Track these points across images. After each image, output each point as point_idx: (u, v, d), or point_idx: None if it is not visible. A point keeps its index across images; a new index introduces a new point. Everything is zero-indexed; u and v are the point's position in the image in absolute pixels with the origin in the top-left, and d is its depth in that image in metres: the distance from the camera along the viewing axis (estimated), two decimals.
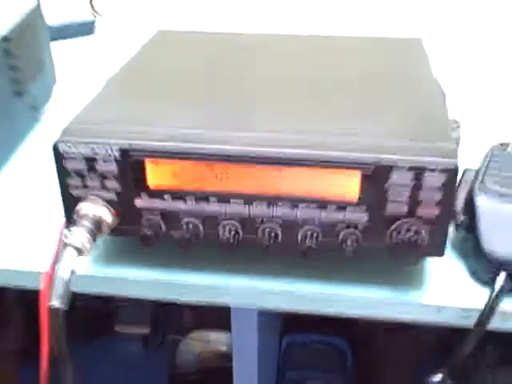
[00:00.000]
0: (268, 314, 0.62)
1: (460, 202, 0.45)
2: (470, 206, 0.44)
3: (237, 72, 0.52)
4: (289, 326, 0.78)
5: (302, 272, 0.43)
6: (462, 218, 0.44)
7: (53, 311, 0.37)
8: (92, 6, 0.82)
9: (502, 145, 0.48)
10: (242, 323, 0.50)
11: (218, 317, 0.74)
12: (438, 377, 0.42)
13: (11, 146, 0.58)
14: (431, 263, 0.44)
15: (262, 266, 0.44)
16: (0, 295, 0.84)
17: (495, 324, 0.41)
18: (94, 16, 0.82)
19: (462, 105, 0.62)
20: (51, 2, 0.77)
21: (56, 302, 0.37)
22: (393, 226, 0.40)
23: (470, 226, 0.43)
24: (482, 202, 0.43)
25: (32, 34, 0.60)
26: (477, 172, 0.46)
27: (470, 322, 0.41)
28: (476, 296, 0.42)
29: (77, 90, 0.68)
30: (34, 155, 0.57)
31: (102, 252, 0.45)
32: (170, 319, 0.87)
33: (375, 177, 0.39)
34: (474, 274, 0.43)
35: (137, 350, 0.87)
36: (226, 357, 0.84)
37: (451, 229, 0.43)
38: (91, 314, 0.87)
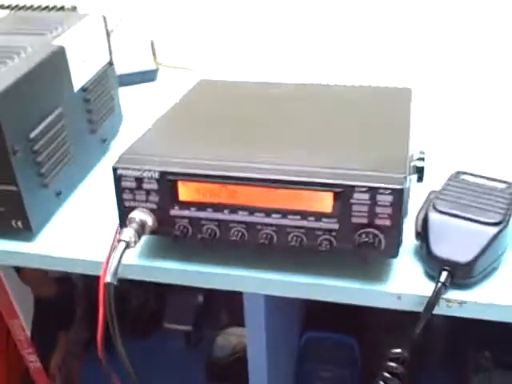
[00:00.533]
0: (285, 309, 0.76)
1: (421, 217, 0.58)
2: (425, 220, 0.56)
3: (254, 117, 0.67)
4: (307, 325, 0.91)
5: (292, 266, 0.57)
6: (419, 229, 0.57)
7: (106, 285, 0.52)
8: (155, 57, 1.00)
9: (457, 173, 0.61)
10: (252, 307, 0.64)
11: None
12: (397, 350, 0.55)
13: (86, 171, 0.75)
14: (396, 264, 0.57)
15: (262, 260, 0.58)
16: (68, 287, 1.01)
17: (442, 311, 0.54)
18: (156, 65, 1.00)
19: (437, 140, 0.76)
20: (120, 53, 0.95)
21: (109, 279, 0.52)
22: (358, 232, 0.53)
23: (424, 235, 0.56)
24: (432, 217, 0.56)
25: (104, 84, 0.77)
26: (435, 194, 0.59)
27: (422, 308, 0.54)
28: (427, 288, 0.54)
29: (139, 127, 0.84)
30: (103, 178, 0.74)
31: (145, 248, 0.61)
32: (209, 318, 1.02)
33: (343, 196, 0.52)
34: (426, 272, 0.56)
35: (180, 345, 1.02)
36: None
37: (413, 237, 0.57)
38: (144, 312, 1.03)
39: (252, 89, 0.74)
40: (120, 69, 0.90)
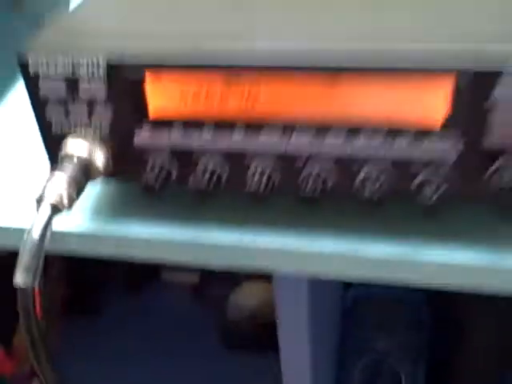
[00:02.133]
0: None
1: None
2: None
3: None
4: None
5: (362, 230, 0.31)
6: None
7: (20, 292, 0.27)
8: None
9: None
10: (288, 294, 0.39)
11: None
12: None
13: (8, 74, 0.48)
14: None
15: (305, 221, 0.32)
16: None
17: None
18: None
19: None
20: None
21: (21, 279, 0.27)
22: (495, 164, 0.27)
23: None
24: None
25: None
26: None
27: None
28: None
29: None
30: None
31: (96, 203, 0.35)
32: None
33: (473, 88, 0.26)
34: None
35: (184, 301, 0.78)
36: None
37: None
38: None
39: None
40: None
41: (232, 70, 0.28)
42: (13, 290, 0.27)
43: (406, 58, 0.26)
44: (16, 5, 0.47)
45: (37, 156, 0.38)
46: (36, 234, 0.28)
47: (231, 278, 0.77)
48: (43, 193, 0.29)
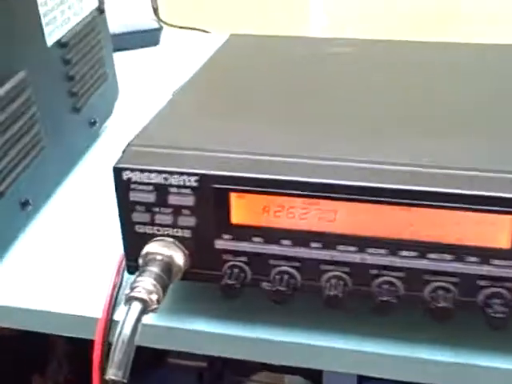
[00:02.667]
0: None
1: None
2: None
3: (327, 83, 0.43)
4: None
5: (423, 335, 0.34)
6: None
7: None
8: (156, 14, 0.75)
9: None
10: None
11: None
12: None
13: (66, 167, 0.51)
14: None
15: (371, 326, 0.34)
16: None
17: None
18: (158, 24, 0.75)
19: None
20: (113, 8, 0.70)
21: (113, 375, 0.28)
22: None
23: None
24: None
25: (92, 41, 0.53)
26: None
27: None
28: None
29: (140, 105, 0.60)
30: (91, 177, 0.50)
31: (170, 301, 0.37)
32: None
33: None
34: None
35: None
36: None
37: None
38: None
39: (312, 47, 0.50)
40: (113, 28, 0.66)
41: (310, 195, 0.31)
42: None
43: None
44: (74, 105, 0.51)
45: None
46: (127, 331, 0.29)
47: (241, 368, 0.76)
48: (133, 289, 0.31)
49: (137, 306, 0.30)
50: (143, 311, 0.30)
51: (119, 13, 0.73)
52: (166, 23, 0.76)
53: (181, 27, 0.76)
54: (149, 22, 0.74)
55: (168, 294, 0.33)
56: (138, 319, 0.30)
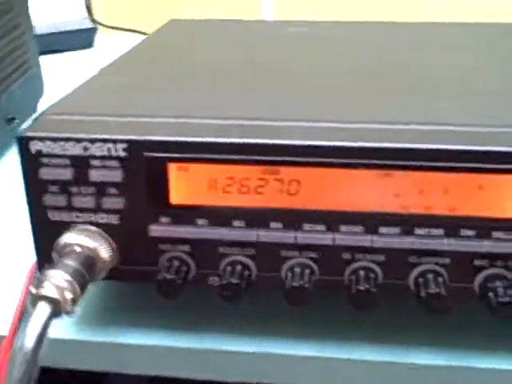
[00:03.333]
0: None
1: None
2: None
3: (280, 58, 0.38)
4: None
5: (410, 336, 0.27)
6: None
7: None
8: (90, 14, 0.68)
9: None
10: None
11: None
12: None
13: None
14: None
15: (347, 327, 0.28)
16: None
17: None
18: (93, 25, 0.69)
19: None
20: (41, 6, 0.64)
21: None
22: None
23: None
24: None
25: (9, 23, 0.46)
26: None
27: None
28: None
29: None
30: (8, 178, 0.43)
31: (92, 306, 0.29)
32: None
33: None
34: None
35: None
36: None
37: None
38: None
39: (261, 29, 0.45)
40: (41, 28, 0.59)
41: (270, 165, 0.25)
42: None
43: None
44: None
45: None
46: (30, 341, 0.22)
47: None
48: (40, 286, 0.23)
49: (45, 309, 0.23)
50: (53, 314, 0.23)
51: (48, 11, 0.66)
52: (100, 24, 0.69)
53: (117, 28, 0.70)
54: (81, 22, 0.68)
55: (90, 299, 0.26)
56: (46, 325, 0.23)
